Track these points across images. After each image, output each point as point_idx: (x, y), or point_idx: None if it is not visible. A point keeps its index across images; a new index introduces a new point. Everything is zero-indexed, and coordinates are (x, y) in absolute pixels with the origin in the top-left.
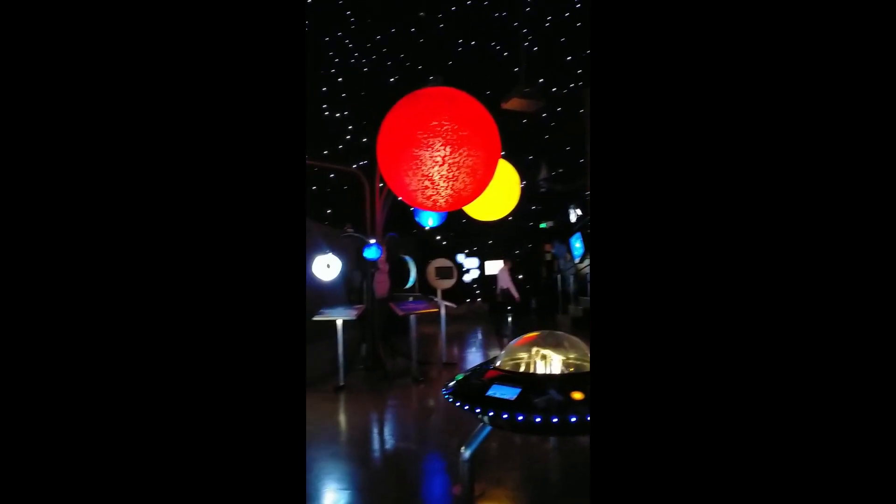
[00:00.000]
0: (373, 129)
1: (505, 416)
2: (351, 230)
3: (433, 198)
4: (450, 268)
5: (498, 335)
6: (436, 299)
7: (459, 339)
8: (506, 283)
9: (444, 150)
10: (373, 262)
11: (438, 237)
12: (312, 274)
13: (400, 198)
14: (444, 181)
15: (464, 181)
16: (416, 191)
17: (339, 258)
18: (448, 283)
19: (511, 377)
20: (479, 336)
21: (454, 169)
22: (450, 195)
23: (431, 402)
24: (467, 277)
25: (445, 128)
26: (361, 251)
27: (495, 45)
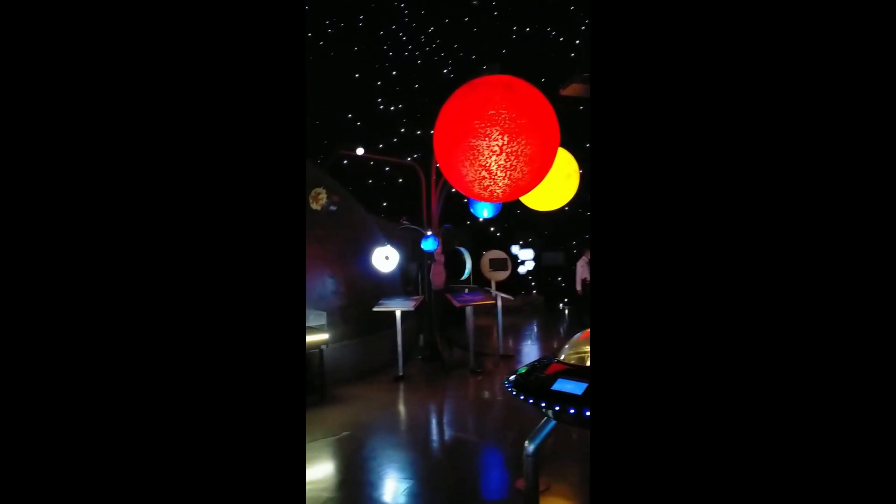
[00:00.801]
0: (427, 121)
1: (571, 411)
2: (406, 222)
3: (490, 188)
4: (504, 259)
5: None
6: (492, 291)
7: (515, 332)
8: (587, 274)
9: (502, 139)
10: (429, 254)
11: (493, 228)
12: (372, 265)
13: (455, 189)
14: (502, 171)
15: (522, 171)
16: (472, 181)
17: (397, 250)
18: (502, 275)
19: (576, 371)
20: (535, 329)
21: (512, 158)
22: (507, 185)
23: (488, 394)
24: (522, 269)
25: (503, 116)
26: (417, 243)
27: (551, 31)
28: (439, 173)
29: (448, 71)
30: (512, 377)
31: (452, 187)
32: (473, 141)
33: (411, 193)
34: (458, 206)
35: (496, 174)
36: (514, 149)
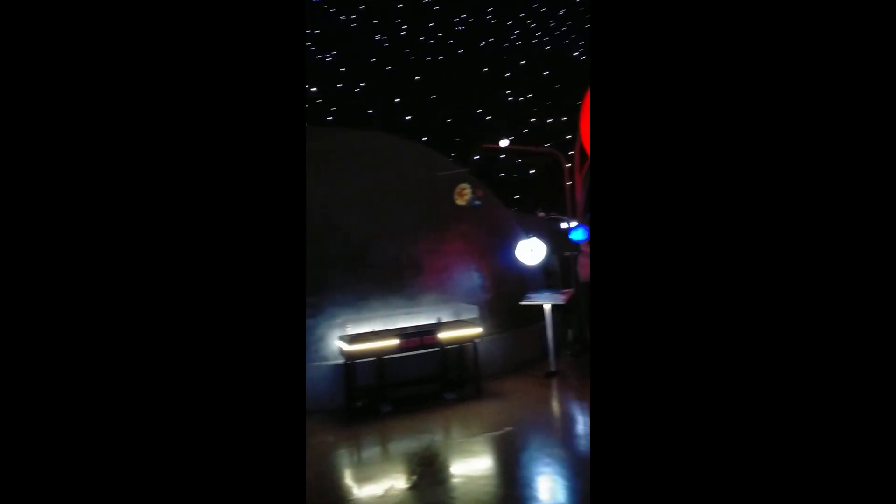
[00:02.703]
0: (558, 109)
1: None
2: (545, 213)
3: None
4: None
5: None
6: None
7: None
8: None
9: None
10: (575, 245)
11: None
12: (515, 258)
13: None
14: None
15: None
16: None
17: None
18: None
19: None
20: None
21: None
22: None
23: None
24: None
25: None
26: (555, 234)
27: None
28: (583, 160)
29: (579, 53)
30: None
31: None
32: None
33: (546, 183)
34: None
35: None
36: None
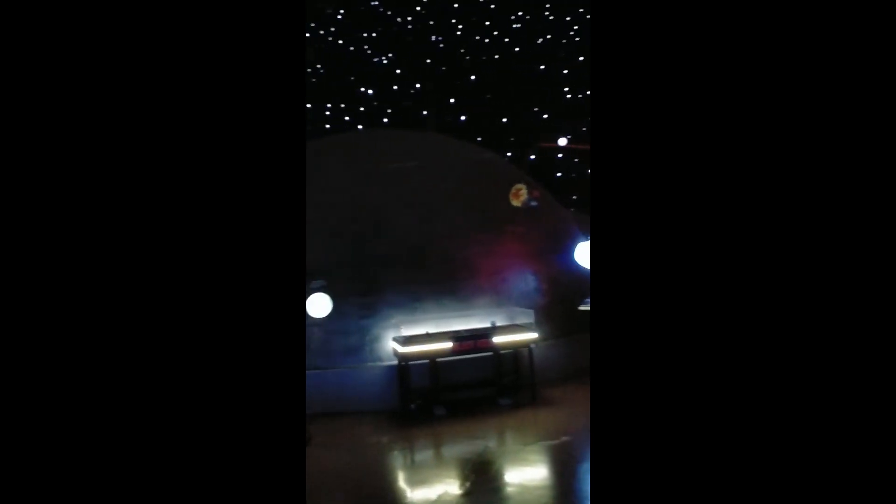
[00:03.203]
0: None
1: None
2: None
3: None
4: None
5: None
6: None
7: None
8: None
9: None
10: None
11: None
12: (574, 261)
13: None
14: None
15: None
16: None
17: None
18: None
19: None
20: None
21: None
22: None
23: None
24: None
25: None
26: None
27: None
28: None
29: None
30: None
31: None
32: None
33: None
34: None
35: None
36: None
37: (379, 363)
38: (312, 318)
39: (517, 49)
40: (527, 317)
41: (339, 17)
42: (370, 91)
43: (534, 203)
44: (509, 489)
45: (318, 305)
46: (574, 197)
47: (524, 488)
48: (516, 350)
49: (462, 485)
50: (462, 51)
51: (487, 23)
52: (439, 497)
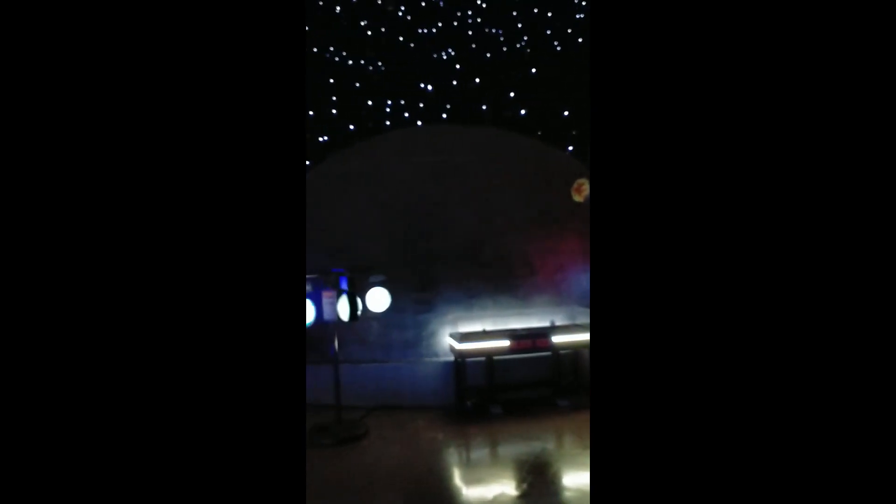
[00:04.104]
0: None
1: None
2: None
3: None
4: None
5: None
6: None
7: None
8: None
9: None
10: None
11: None
12: None
13: None
14: None
15: None
16: None
17: None
18: None
19: None
20: None
21: None
22: None
23: None
24: None
25: None
26: None
27: None
28: None
29: None
30: None
31: None
32: None
33: None
34: None
35: None
36: None
37: (435, 359)
38: (372, 312)
39: (580, 40)
40: (587, 317)
41: (400, 14)
42: (429, 87)
43: None
44: (567, 493)
45: (378, 299)
46: None
47: (583, 493)
48: (576, 350)
49: (519, 486)
50: (521, 44)
51: (549, 13)
52: (495, 497)
